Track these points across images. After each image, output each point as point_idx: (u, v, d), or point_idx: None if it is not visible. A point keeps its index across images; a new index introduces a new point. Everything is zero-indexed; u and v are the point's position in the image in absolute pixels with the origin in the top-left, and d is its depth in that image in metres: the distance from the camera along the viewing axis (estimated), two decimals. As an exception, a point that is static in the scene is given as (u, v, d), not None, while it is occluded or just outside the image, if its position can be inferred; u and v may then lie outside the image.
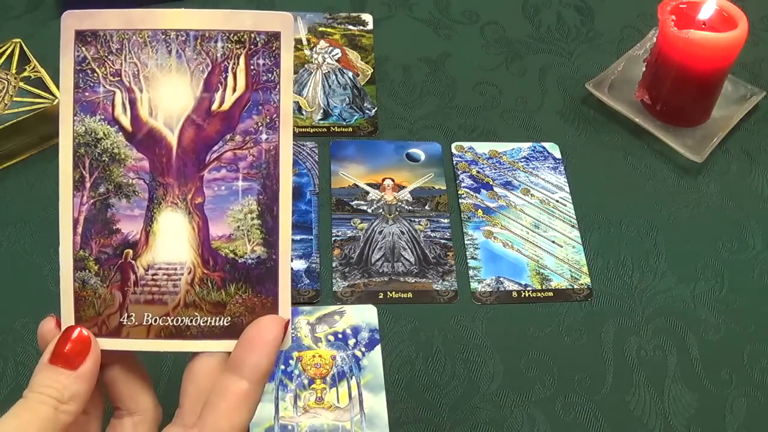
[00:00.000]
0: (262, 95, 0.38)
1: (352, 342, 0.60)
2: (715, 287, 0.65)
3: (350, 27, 0.82)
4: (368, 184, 0.70)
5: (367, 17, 0.83)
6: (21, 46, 0.71)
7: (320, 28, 0.82)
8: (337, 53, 0.80)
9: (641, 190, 0.71)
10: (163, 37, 0.38)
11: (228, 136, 0.38)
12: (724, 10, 0.70)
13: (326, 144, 0.72)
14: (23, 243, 0.64)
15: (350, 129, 0.74)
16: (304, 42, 0.81)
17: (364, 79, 0.78)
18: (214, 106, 0.38)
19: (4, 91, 0.68)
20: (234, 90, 0.38)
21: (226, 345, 0.38)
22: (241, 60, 0.38)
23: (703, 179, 0.72)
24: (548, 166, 0.72)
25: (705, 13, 0.70)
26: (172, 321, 0.38)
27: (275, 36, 0.38)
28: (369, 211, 0.68)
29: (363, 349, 0.60)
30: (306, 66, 0.78)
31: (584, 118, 0.76)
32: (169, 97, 0.38)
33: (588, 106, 0.77)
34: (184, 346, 0.38)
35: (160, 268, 0.38)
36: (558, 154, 0.73)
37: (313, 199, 0.69)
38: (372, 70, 0.79)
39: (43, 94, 0.68)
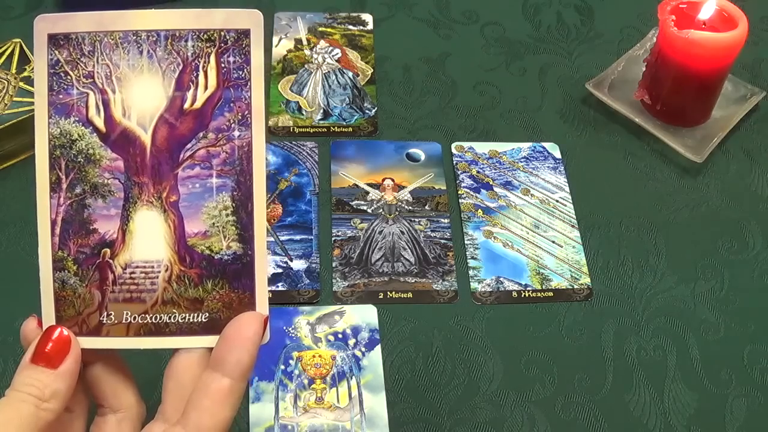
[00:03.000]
0: (234, 92, 0.39)
1: (352, 342, 0.60)
2: (715, 287, 0.65)
3: (350, 27, 0.82)
4: (368, 184, 0.70)
5: (367, 17, 0.83)
6: (21, 46, 0.71)
7: (320, 28, 0.82)
8: (337, 53, 0.80)
9: (641, 190, 0.71)
10: (134, 38, 0.38)
11: (201, 134, 0.39)
12: (724, 10, 0.70)
13: (326, 144, 0.72)
14: (23, 243, 0.64)
15: (350, 129, 0.74)
16: (304, 42, 0.81)
17: (364, 79, 0.78)
18: (186, 105, 0.39)
19: (4, 91, 0.68)
20: (205, 88, 0.39)
21: (206, 341, 0.38)
22: (212, 58, 0.38)
23: (703, 179, 0.72)
24: (548, 166, 0.72)
25: (705, 13, 0.70)
26: (151, 318, 0.39)
27: (245, 33, 0.38)
28: (369, 211, 0.68)
29: (363, 349, 0.60)
30: (306, 66, 0.78)
31: (584, 118, 0.76)
32: (141, 97, 0.38)
33: (588, 106, 0.77)
34: (164, 342, 0.39)
35: (137, 267, 0.39)
36: (558, 154, 0.73)
37: (313, 199, 0.69)
38: (372, 70, 0.79)
39: (43, 94, 0.68)
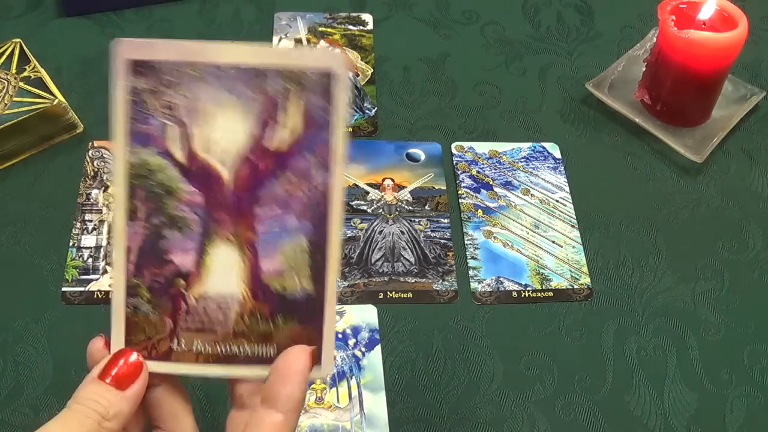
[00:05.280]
0: (316, 134, 0.38)
1: (352, 342, 0.60)
2: (715, 287, 0.65)
3: (350, 27, 0.82)
4: (368, 184, 0.70)
5: (367, 17, 0.83)
6: (21, 46, 0.71)
7: (320, 28, 0.82)
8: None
9: (641, 190, 0.71)
10: (217, 71, 0.38)
11: (281, 175, 0.38)
12: (724, 10, 0.70)
13: (326, 144, 0.72)
14: (23, 243, 0.64)
15: (350, 129, 0.74)
16: (304, 42, 0.81)
17: (364, 79, 0.78)
18: (268, 144, 0.38)
19: (4, 91, 0.68)
20: (288, 128, 0.38)
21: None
22: (295, 98, 0.38)
23: (703, 179, 0.72)
24: (548, 166, 0.72)
25: (705, 13, 0.70)
26: (221, 349, 0.39)
27: (330, 75, 0.38)
28: (369, 211, 0.68)
29: (363, 349, 0.60)
30: (306, 66, 0.78)
31: (584, 118, 0.76)
32: (222, 133, 0.38)
33: (588, 106, 0.77)
34: (231, 371, 0.39)
35: (211, 299, 0.39)
36: (558, 154, 0.73)
37: (313, 199, 0.69)
38: (372, 70, 0.79)
39: (43, 94, 0.68)
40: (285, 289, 0.39)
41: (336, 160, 0.38)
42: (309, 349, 0.38)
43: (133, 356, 0.38)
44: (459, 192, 0.70)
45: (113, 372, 0.37)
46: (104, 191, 0.67)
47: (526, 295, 0.64)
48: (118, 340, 0.39)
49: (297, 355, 0.38)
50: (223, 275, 0.39)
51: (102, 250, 0.64)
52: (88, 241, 0.64)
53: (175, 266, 0.39)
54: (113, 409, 0.36)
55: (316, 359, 0.39)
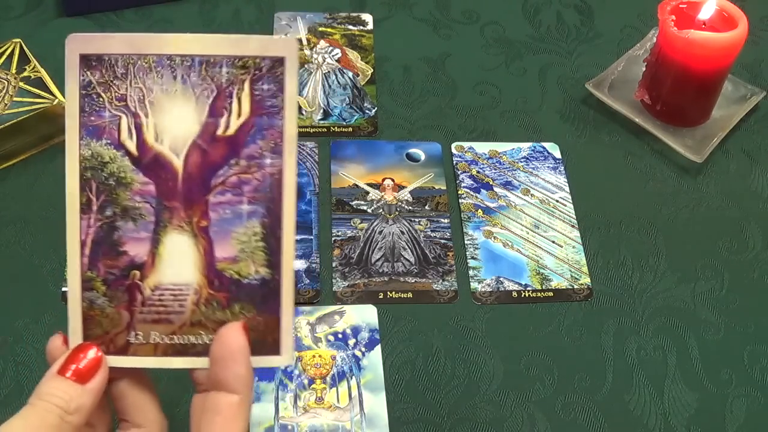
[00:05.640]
0: (267, 120, 0.38)
1: (352, 342, 0.60)
2: (715, 287, 0.65)
3: (350, 27, 0.82)
4: (368, 184, 0.70)
5: (367, 17, 0.83)
6: (21, 46, 0.71)
7: (320, 28, 0.82)
8: (337, 53, 0.80)
9: (641, 190, 0.71)
10: (168, 62, 0.38)
11: (233, 161, 0.39)
12: (724, 10, 0.70)
13: (326, 144, 0.72)
14: (23, 243, 0.64)
15: (350, 129, 0.74)
16: (304, 42, 0.81)
17: (364, 79, 0.78)
18: (219, 131, 0.38)
19: (4, 91, 0.68)
20: (239, 115, 0.38)
21: None
22: (246, 85, 0.38)
23: (703, 179, 0.72)
24: (548, 166, 0.72)
25: (705, 13, 0.70)
26: (179, 339, 0.39)
27: (280, 61, 0.38)
28: (369, 211, 0.68)
29: (363, 349, 0.60)
30: (306, 66, 0.78)
31: (584, 118, 0.76)
32: (174, 122, 0.38)
33: (588, 106, 0.77)
34: (190, 362, 0.39)
35: (166, 289, 0.39)
36: (558, 154, 0.73)
37: (313, 199, 0.69)
38: (372, 70, 0.79)
39: (43, 94, 0.68)
40: (240, 275, 0.39)
41: (288, 145, 0.38)
42: (239, 324, 0.38)
43: (92, 350, 0.38)
44: (459, 192, 0.70)
45: (73, 367, 0.37)
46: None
47: (526, 295, 0.64)
48: (75, 336, 0.39)
49: (231, 335, 0.38)
50: (177, 264, 0.39)
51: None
52: (88, 241, 0.64)
53: (129, 257, 0.39)
54: (74, 403, 0.36)
55: (275, 347, 0.39)
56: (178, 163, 0.38)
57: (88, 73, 0.38)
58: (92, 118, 0.38)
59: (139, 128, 0.38)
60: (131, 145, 0.38)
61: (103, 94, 0.38)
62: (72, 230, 0.39)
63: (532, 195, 0.70)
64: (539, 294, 0.64)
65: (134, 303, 0.39)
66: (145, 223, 0.39)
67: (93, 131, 0.38)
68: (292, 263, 0.39)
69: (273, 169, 0.39)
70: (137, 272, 0.39)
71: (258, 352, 0.39)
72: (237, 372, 0.37)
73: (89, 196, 0.39)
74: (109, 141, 0.38)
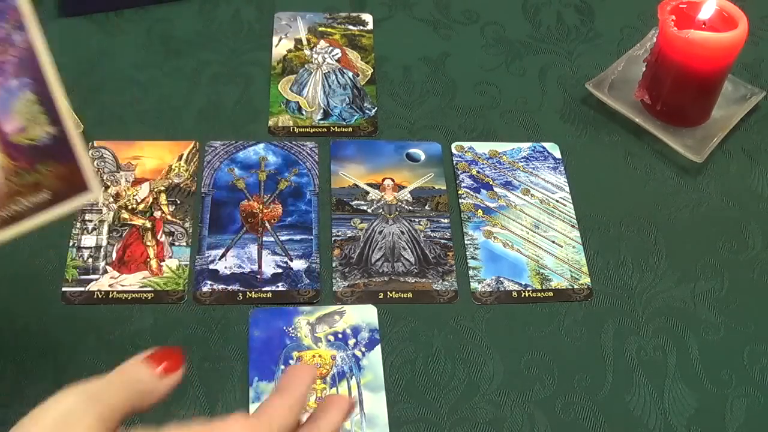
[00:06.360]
0: (3, 3, 0.42)
1: (352, 342, 0.60)
2: (715, 287, 0.65)
3: (350, 27, 0.82)
4: (368, 184, 0.70)
5: (367, 17, 0.83)
6: (21, 46, 0.71)
7: (320, 28, 0.82)
8: (337, 53, 0.80)
9: (641, 190, 0.71)
10: None
11: None
12: (724, 10, 0.70)
13: (326, 144, 0.72)
14: (23, 243, 0.64)
15: (350, 129, 0.74)
16: (304, 42, 0.81)
17: (364, 79, 0.78)
18: None
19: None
20: None
21: (56, 212, 0.44)
22: None
23: (703, 179, 0.72)
24: (548, 166, 0.72)
25: (705, 13, 0.70)
26: (6, 213, 0.42)
27: None
28: (369, 211, 0.68)
29: (363, 349, 0.60)
30: (306, 66, 0.78)
31: (584, 118, 0.76)
32: None
33: (588, 106, 0.77)
34: (24, 226, 0.43)
35: None
36: (558, 154, 0.73)
37: (313, 199, 0.69)
38: (372, 70, 0.79)
39: (42, 93, 0.68)
40: (33, 140, 0.43)
41: (27, 18, 0.42)
42: (345, 398, 0.42)
43: (179, 355, 0.39)
44: (459, 192, 0.70)
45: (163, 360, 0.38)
46: (104, 191, 0.67)
47: (526, 295, 0.64)
48: None
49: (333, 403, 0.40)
50: None
51: (102, 250, 0.64)
52: (88, 241, 0.64)
53: None
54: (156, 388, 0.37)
55: (84, 185, 0.44)
56: None
57: None
58: None
59: None
60: None
61: None
62: None
63: (532, 195, 0.70)
64: (539, 294, 0.64)
65: None
66: None
67: None
68: (69, 117, 0.44)
69: (24, 44, 0.43)
70: None
71: (72, 195, 0.44)
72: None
73: None
74: None
